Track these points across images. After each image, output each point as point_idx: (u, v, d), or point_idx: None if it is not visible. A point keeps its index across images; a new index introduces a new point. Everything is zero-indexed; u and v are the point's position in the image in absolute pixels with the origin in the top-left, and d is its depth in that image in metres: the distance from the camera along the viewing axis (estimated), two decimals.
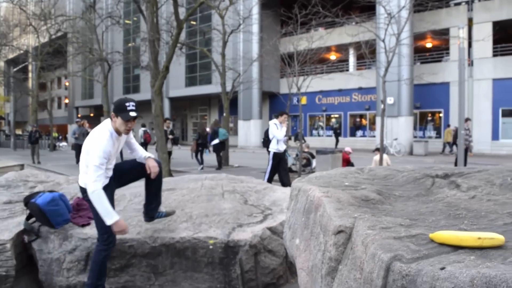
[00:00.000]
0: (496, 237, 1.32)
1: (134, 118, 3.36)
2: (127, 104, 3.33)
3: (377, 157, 11.62)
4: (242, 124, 31.66)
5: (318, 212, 1.78)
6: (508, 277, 1.06)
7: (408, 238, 1.38)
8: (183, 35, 25.28)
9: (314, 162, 14.05)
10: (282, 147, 8.90)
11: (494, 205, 1.89)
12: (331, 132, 29.90)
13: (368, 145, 26.63)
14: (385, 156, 11.84)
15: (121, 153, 15.11)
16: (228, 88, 18.48)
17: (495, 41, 23.90)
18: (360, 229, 1.46)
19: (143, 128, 17.44)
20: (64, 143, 35.62)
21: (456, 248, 1.33)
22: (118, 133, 3.45)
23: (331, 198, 1.81)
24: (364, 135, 28.90)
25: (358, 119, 30.12)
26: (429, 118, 27.00)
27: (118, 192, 5.02)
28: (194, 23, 33.02)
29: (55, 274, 3.86)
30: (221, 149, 16.07)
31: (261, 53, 23.70)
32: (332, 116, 31.10)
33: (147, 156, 3.74)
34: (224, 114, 18.48)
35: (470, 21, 24.41)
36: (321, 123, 31.48)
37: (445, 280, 1.14)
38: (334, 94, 30.27)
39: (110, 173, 3.57)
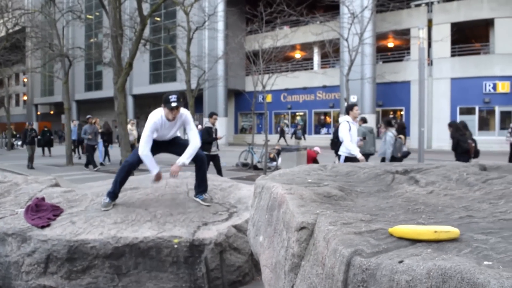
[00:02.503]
0: (452, 230, 1.37)
1: (176, 107, 4.34)
2: (170, 97, 4.35)
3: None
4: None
5: (281, 209, 1.80)
6: (462, 268, 1.10)
7: (368, 233, 1.42)
8: (147, 32, 24.90)
9: (279, 160, 14.15)
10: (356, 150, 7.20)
11: (451, 199, 1.96)
12: (298, 129, 30.21)
13: None
14: None
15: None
16: (193, 85, 18.34)
17: (453, 42, 24.78)
18: (322, 225, 1.49)
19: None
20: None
21: (414, 241, 1.37)
22: (168, 119, 4.45)
23: (294, 195, 1.83)
24: (328, 133, 29.35)
25: (322, 117, 30.54)
26: (391, 116, 27.67)
27: (80, 192, 4.91)
28: (158, 19, 32.55)
29: (13, 278, 3.73)
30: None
31: (227, 50, 23.66)
32: (297, 113, 31.39)
33: (181, 162, 4.53)
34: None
35: (429, 22, 25.17)
36: (286, 121, 31.73)
37: (403, 272, 1.18)
38: (299, 92, 30.57)
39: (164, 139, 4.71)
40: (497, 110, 24.30)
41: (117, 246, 3.69)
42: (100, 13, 31.98)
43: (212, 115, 10.96)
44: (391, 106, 27.02)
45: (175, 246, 3.70)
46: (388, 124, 10.04)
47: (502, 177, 2.40)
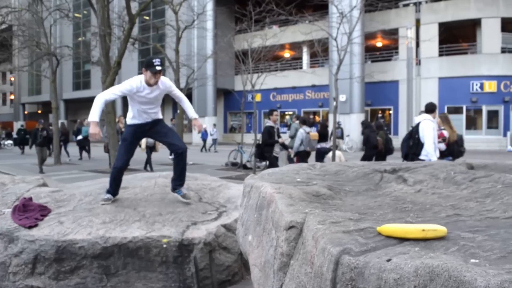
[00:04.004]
0: (439, 229, 1.38)
1: (159, 71, 4.22)
2: (153, 60, 4.19)
3: (339, 153, 11.80)
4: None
5: (270, 208, 1.80)
6: (449, 266, 1.11)
7: (357, 231, 1.42)
8: (135, 30, 24.74)
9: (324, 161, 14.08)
10: (436, 154, 6.58)
11: (438, 198, 1.97)
12: (286, 129, 30.25)
13: None
14: (339, 152, 12.09)
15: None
16: (182, 84, 18.28)
17: (441, 41, 25.01)
18: (311, 224, 1.49)
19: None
20: (9, 141, 33.91)
21: (402, 240, 1.38)
22: (149, 84, 4.29)
23: (282, 194, 1.84)
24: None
25: (311, 116, 30.64)
26: (380, 115, 27.85)
27: (68, 192, 4.86)
28: (147, 18, 32.38)
29: (0, 278, 3.68)
30: (86, 144, 19.68)
31: (216, 49, 23.61)
32: (287, 113, 31.45)
33: (194, 117, 4.73)
34: (178, 111, 18.27)
35: (417, 22, 25.38)
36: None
37: (391, 271, 1.18)
38: (288, 92, 30.64)
39: (146, 117, 4.53)
40: (484, 109, 24.59)
41: (105, 246, 3.67)
42: (88, 11, 31.70)
43: (272, 112, 9.72)
44: (380, 105, 27.21)
45: (164, 246, 3.68)
46: (303, 122, 11.36)
47: (489, 176, 2.43)
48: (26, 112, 47.88)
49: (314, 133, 11.41)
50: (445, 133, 7.94)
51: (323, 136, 11.59)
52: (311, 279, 1.42)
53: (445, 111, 24.85)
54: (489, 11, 24.40)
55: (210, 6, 25.35)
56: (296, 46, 28.15)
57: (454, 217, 1.65)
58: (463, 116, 24.86)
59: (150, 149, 13.29)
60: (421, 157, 6.47)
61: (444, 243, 1.33)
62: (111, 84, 10.87)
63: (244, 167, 14.57)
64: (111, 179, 4.42)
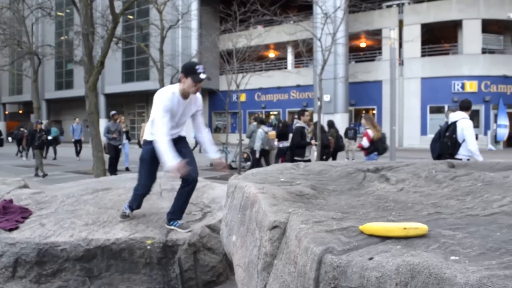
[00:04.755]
0: (420, 227, 1.40)
1: (202, 80, 3.70)
2: (197, 67, 3.65)
3: None
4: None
5: (253, 208, 1.80)
6: (430, 264, 1.13)
7: (340, 230, 1.43)
8: (119, 29, 24.53)
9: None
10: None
11: (420, 196, 2.00)
12: (270, 129, 30.30)
13: None
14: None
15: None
16: (167, 84, 18.16)
17: (423, 42, 25.33)
18: (294, 224, 1.50)
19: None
20: None
21: (384, 238, 1.39)
22: (184, 96, 3.77)
23: (266, 194, 1.84)
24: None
25: (296, 116, 30.71)
26: (363, 115, 28.07)
27: (50, 194, 4.79)
28: (131, 17, 32.10)
29: None
30: (56, 143, 19.96)
31: (200, 49, 23.53)
32: (271, 113, 31.49)
33: (215, 156, 4.15)
34: None
35: (400, 23, 25.66)
36: None
37: (373, 269, 1.20)
38: (273, 92, 30.68)
39: (174, 132, 3.90)
40: None
41: (88, 248, 3.63)
42: (71, 10, 31.25)
43: (303, 112, 9.16)
44: (364, 105, 27.43)
45: (148, 247, 3.66)
46: (261, 123, 12.20)
47: (469, 174, 2.47)
48: (6, 112, 47.08)
49: (272, 132, 12.21)
50: (370, 132, 8.55)
51: (283, 135, 12.08)
52: (295, 279, 1.42)
53: (428, 110, 25.23)
54: (470, 12, 24.79)
55: (194, 6, 25.26)
56: (280, 46, 28.20)
57: (435, 215, 1.67)
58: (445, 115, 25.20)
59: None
60: (458, 156, 6.10)
61: (425, 241, 1.35)
62: (94, 83, 10.73)
63: (229, 167, 14.55)
64: (133, 200, 4.03)
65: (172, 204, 3.93)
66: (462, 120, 6.20)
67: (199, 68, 3.65)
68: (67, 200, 4.51)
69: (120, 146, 13.10)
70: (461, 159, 5.88)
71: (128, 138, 15.29)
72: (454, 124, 6.35)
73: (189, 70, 3.64)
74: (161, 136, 3.54)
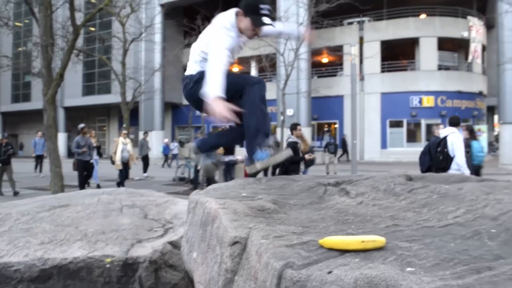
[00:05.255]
0: (378, 240, 1.43)
1: (264, 25, 2.81)
2: (261, 6, 2.75)
3: None
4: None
5: (214, 224, 1.79)
6: (387, 276, 1.15)
7: (300, 245, 1.44)
8: (80, 41, 24.06)
9: (216, 173, 14.08)
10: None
11: (379, 209, 2.04)
12: None
13: None
14: None
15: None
16: (129, 98, 17.92)
17: (383, 58, 26.16)
18: (255, 239, 1.49)
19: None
20: None
21: (343, 252, 1.40)
22: (246, 34, 2.94)
23: (227, 210, 1.83)
24: None
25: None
26: (326, 129, 28.55)
27: (3, 211, 4.59)
28: (93, 29, 31.60)
29: None
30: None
31: (164, 63, 23.39)
32: None
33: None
34: (124, 125, 17.86)
35: (361, 40, 26.43)
36: None
37: (332, 283, 1.20)
38: None
39: None
40: (423, 123, 25.85)
41: (44, 268, 3.48)
42: (30, 20, 30.48)
43: (295, 126, 9.07)
44: (326, 119, 27.90)
45: (107, 265, 3.55)
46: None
47: (425, 187, 2.54)
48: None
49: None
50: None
51: (229, 149, 12.31)
52: None
53: (387, 124, 25.93)
54: (426, 30, 25.86)
55: (158, 19, 25.15)
56: (244, 61, 28.43)
57: (392, 228, 1.71)
58: (404, 129, 26.00)
59: (125, 165, 12.67)
60: (451, 171, 6.26)
61: (383, 253, 1.37)
62: (53, 96, 10.45)
63: (192, 182, 14.41)
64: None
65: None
66: (452, 135, 6.49)
67: (265, 8, 2.76)
68: (22, 218, 4.33)
69: (92, 161, 12.61)
70: (453, 174, 5.99)
71: (100, 154, 14.71)
72: (445, 139, 6.62)
73: (250, 8, 2.77)
74: (218, 62, 2.66)
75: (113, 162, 12.84)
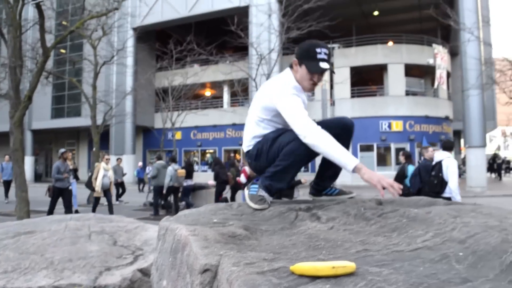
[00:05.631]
0: (348, 265, 1.43)
1: (324, 71, 2.49)
2: (318, 50, 2.43)
3: None
4: (113, 159, 30.44)
5: (185, 251, 1.76)
6: None
7: (271, 272, 1.43)
8: (50, 63, 23.72)
9: (190, 198, 13.96)
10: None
11: (349, 234, 2.05)
12: (206, 167, 30.15)
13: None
14: None
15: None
16: (99, 121, 17.66)
17: (353, 84, 26.80)
18: (225, 267, 1.48)
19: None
20: None
21: (314, 278, 1.40)
22: (308, 89, 2.62)
23: (198, 236, 1.81)
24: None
25: (232, 154, 30.87)
26: (243, 154, 28.79)
27: None
28: (63, 51, 31.24)
29: None
30: None
31: (135, 86, 23.25)
32: (207, 151, 31.41)
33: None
34: (94, 149, 17.54)
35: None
36: (196, 158, 31.56)
37: None
38: (209, 130, 30.73)
39: None
40: (393, 147, 26.40)
41: None
42: None
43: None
44: None
45: None
46: (172, 160, 12.92)
47: (395, 211, 2.58)
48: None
49: (181, 170, 12.77)
50: (247, 169, 9.76)
51: (188, 173, 12.91)
52: None
53: (358, 148, 26.35)
54: (394, 57, 26.70)
55: (130, 43, 25.10)
56: (216, 85, 28.59)
57: (363, 252, 1.72)
58: (374, 153, 26.47)
59: (105, 192, 12.30)
60: (445, 195, 6.28)
61: (353, 279, 1.38)
62: (20, 119, 10.21)
63: (163, 207, 14.19)
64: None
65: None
66: (447, 159, 6.53)
67: (321, 52, 2.45)
68: None
69: (70, 187, 11.90)
70: (449, 198, 6.19)
71: (76, 177, 14.21)
72: (439, 163, 6.65)
73: (305, 53, 2.47)
74: (317, 131, 2.36)
75: (93, 189, 12.32)
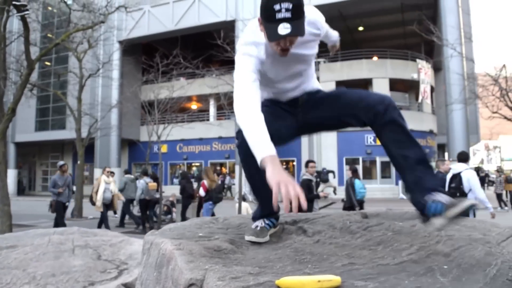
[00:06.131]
0: (334, 279, 1.43)
1: (287, 35, 1.81)
2: (276, 6, 1.78)
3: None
4: (99, 172, 30.10)
5: (169, 265, 1.75)
6: None
7: (256, 286, 1.42)
8: (34, 76, 23.52)
9: (174, 212, 13.88)
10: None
11: (335, 247, 2.06)
12: (193, 180, 30.00)
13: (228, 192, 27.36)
14: (246, 204, 12.21)
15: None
16: (84, 134, 17.50)
17: None
18: (211, 281, 1.47)
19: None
20: None
21: None
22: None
23: (183, 251, 1.80)
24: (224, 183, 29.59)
25: (218, 168, 30.79)
26: (284, 166, 28.80)
27: None
28: (48, 64, 31.02)
29: None
30: None
31: (121, 99, 23.15)
32: (193, 164, 31.29)
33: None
34: (79, 162, 17.35)
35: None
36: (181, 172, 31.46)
37: None
38: (195, 143, 30.67)
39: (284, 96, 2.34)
40: (378, 160, 26.60)
41: None
42: None
43: (308, 163, 8.54)
44: (283, 157, 28.19)
45: None
46: (144, 174, 13.17)
47: (380, 224, 2.59)
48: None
49: (152, 183, 12.93)
50: (206, 183, 10.31)
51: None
52: None
53: (344, 162, 26.50)
54: (379, 72, 27.08)
55: (116, 56, 25.05)
56: (203, 99, 28.61)
57: (349, 266, 1.72)
58: (360, 166, 26.62)
59: (107, 206, 11.85)
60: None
61: None
62: (3, 132, 10.08)
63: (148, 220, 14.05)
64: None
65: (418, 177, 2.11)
66: (466, 171, 6.56)
67: (282, 8, 1.77)
68: None
69: (67, 204, 11.31)
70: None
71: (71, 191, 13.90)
72: (459, 175, 6.66)
73: (262, 12, 1.85)
74: (241, 103, 1.93)
75: (93, 203, 11.78)
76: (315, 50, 2.27)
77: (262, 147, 1.79)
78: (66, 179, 11.00)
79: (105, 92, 27.17)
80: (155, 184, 12.99)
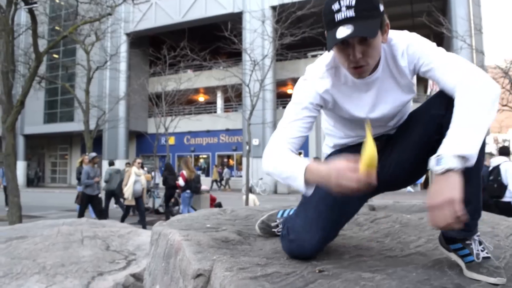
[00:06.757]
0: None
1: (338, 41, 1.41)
2: (334, 6, 1.42)
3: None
4: (106, 164, 30.31)
5: (178, 256, 1.76)
6: None
7: (264, 277, 1.43)
8: (43, 68, 23.61)
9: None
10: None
11: (342, 239, 2.06)
12: (199, 172, 30.11)
13: (236, 184, 27.39)
14: (253, 196, 12.23)
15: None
16: (92, 126, 17.58)
17: None
18: (218, 272, 1.47)
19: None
20: None
21: (308, 283, 1.40)
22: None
23: (191, 241, 1.81)
24: (231, 175, 29.66)
25: (225, 160, 30.84)
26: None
27: None
28: (56, 56, 31.12)
29: None
30: None
31: (129, 91, 23.20)
32: (201, 156, 31.37)
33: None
34: (87, 154, 17.44)
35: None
36: None
37: None
38: (202, 135, 30.72)
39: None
40: None
41: None
42: None
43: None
44: None
45: None
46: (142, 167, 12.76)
47: (388, 216, 2.59)
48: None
49: (147, 175, 12.90)
50: (185, 173, 10.70)
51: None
52: None
53: None
54: None
55: (124, 48, 25.08)
56: (210, 91, 28.58)
57: (356, 258, 1.72)
58: None
59: (137, 200, 11.23)
60: (504, 199, 6.24)
61: (346, 284, 1.38)
62: (12, 124, 10.14)
63: (156, 212, 14.14)
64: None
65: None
66: (504, 163, 6.53)
67: (341, 7, 1.40)
68: None
69: (99, 195, 11.18)
70: (509, 202, 6.18)
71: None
72: (497, 168, 6.62)
73: (324, 19, 1.48)
74: (266, 155, 1.84)
75: (123, 197, 11.51)
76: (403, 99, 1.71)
77: (298, 168, 1.50)
78: (97, 172, 10.96)
79: (112, 84, 27.23)
80: (149, 175, 13.20)
